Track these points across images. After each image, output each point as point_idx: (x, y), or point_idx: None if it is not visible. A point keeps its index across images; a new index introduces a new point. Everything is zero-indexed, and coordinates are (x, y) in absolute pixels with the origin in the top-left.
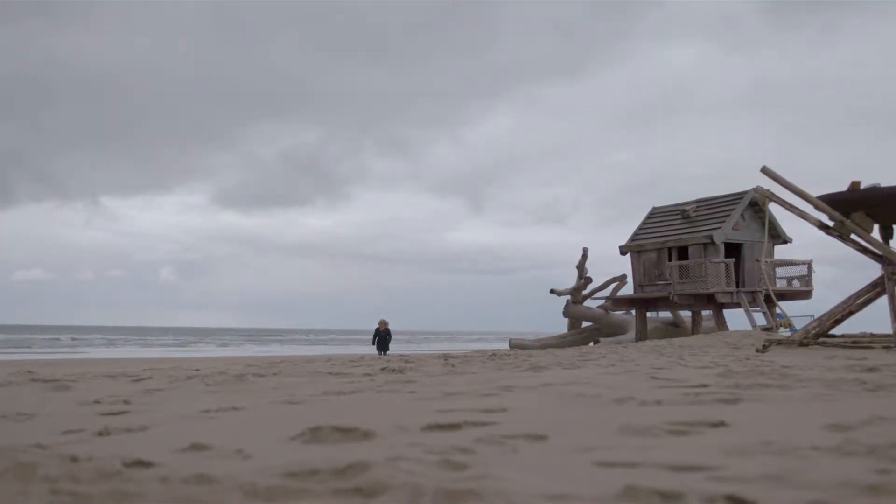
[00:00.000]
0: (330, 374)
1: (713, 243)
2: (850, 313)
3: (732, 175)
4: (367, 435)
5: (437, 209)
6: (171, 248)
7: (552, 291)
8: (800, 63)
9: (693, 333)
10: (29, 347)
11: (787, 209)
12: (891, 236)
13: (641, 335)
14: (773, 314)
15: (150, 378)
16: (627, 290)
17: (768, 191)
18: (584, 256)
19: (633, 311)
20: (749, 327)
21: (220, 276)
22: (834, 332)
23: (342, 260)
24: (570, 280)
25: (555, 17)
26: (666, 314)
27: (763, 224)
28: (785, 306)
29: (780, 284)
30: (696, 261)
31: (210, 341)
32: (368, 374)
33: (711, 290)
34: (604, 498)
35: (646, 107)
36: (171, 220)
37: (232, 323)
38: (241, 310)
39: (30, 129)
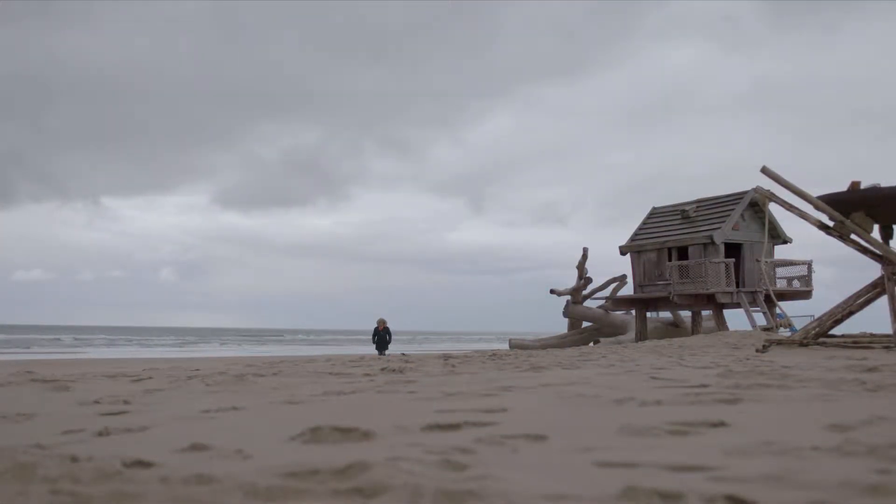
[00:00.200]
0: (330, 374)
1: (713, 243)
2: (850, 313)
3: (732, 175)
4: (367, 435)
5: (438, 209)
6: (172, 248)
7: (552, 291)
8: (800, 63)
9: (693, 333)
10: (29, 347)
11: (787, 209)
12: (891, 236)
13: (641, 335)
14: (773, 314)
15: (150, 378)
16: (627, 290)
17: (768, 191)
18: (584, 256)
19: (633, 312)
20: (749, 327)
21: (221, 276)
22: (834, 332)
23: (342, 260)
24: (570, 280)
25: (555, 17)
26: (666, 314)
27: (763, 224)
28: (785, 306)
29: (780, 284)
30: (696, 261)
31: (210, 341)
32: (368, 374)
33: (711, 290)
34: (604, 498)
35: (646, 107)
36: (171, 220)
37: (232, 323)
38: (241, 310)
39: (30, 129)
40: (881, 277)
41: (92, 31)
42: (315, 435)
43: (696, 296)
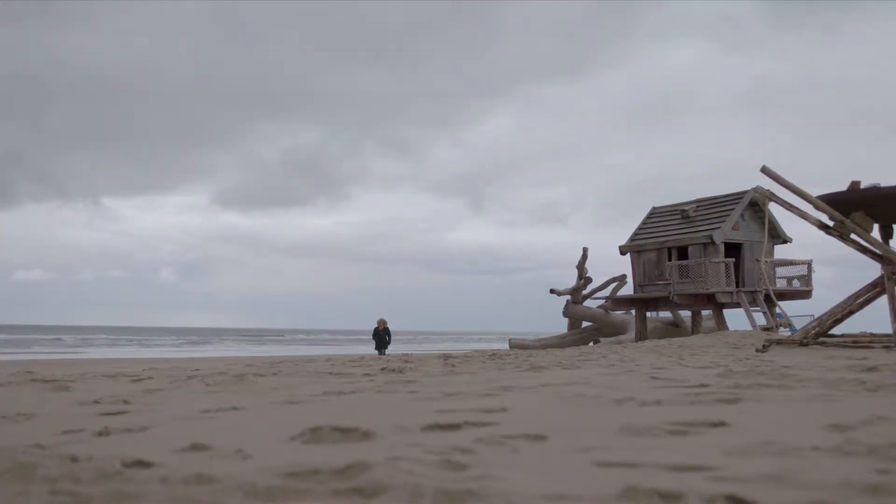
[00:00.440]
0: (330, 374)
1: (713, 243)
2: (850, 313)
3: (732, 175)
4: (367, 435)
5: (438, 209)
6: (172, 248)
7: (552, 291)
8: (800, 63)
9: (693, 333)
10: (29, 347)
11: (787, 209)
12: (891, 236)
13: (641, 335)
14: (773, 314)
15: (150, 378)
16: (627, 290)
17: (768, 191)
18: (584, 256)
19: (633, 311)
20: (749, 327)
21: (221, 276)
22: (834, 331)
23: (342, 260)
24: (570, 280)
25: (555, 17)
26: (666, 314)
27: (763, 224)
28: (785, 306)
29: (780, 284)
30: (695, 261)
31: (210, 341)
32: (368, 374)
33: (711, 290)
34: (604, 498)
35: (646, 107)
36: (171, 220)
37: (232, 323)
38: (241, 310)
39: (30, 129)
40: (881, 277)
41: (92, 31)
42: (315, 435)
43: (696, 296)
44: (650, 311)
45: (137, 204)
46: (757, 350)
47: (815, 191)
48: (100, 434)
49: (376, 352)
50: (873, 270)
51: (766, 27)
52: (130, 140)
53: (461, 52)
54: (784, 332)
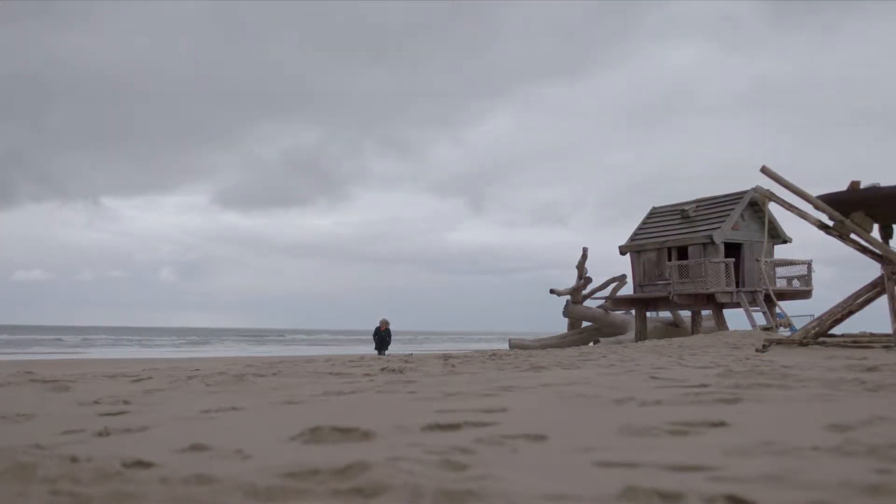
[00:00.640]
0: (330, 374)
1: (713, 243)
2: (850, 313)
3: (732, 175)
4: (367, 435)
5: (438, 209)
6: (172, 248)
7: (552, 291)
8: (800, 63)
9: (693, 333)
10: (29, 347)
11: (787, 209)
12: (890, 236)
13: (641, 335)
14: (773, 314)
15: (150, 378)
16: (627, 290)
17: (768, 191)
18: (584, 256)
19: (633, 311)
20: (749, 327)
21: (221, 276)
22: (834, 331)
23: (342, 260)
24: (570, 280)
25: (555, 17)
26: (666, 314)
27: (763, 224)
28: (785, 306)
29: (780, 284)
30: (695, 261)
31: (210, 341)
32: (368, 375)
33: (711, 290)
34: (604, 498)
35: (646, 107)
36: (171, 220)
37: (232, 323)
38: (241, 310)
39: (30, 130)
40: (881, 277)
41: (92, 31)
42: (315, 435)
43: (696, 295)
44: (650, 311)
45: (137, 204)
46: (757, 350)
47: (815, 191)
48: (100, 434)
49: (376, 352)
50: (873, 270)
51: (766, 27)
52: (130, 140)
53: (461, 52)
54: (784, 332)
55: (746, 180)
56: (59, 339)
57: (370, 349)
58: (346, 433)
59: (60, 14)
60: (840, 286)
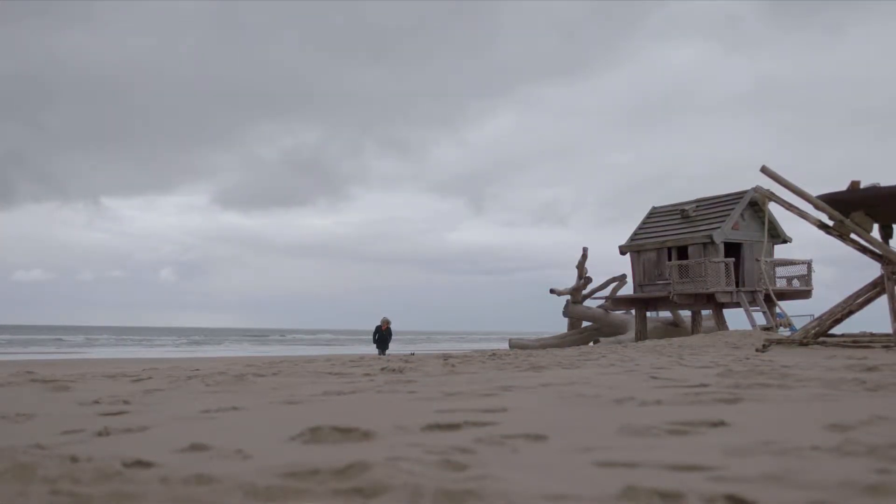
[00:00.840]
0: (330, 374)
1: (713, 243)
2: (850, 313)
3: (732, 175)
4: (367, 435)
5: (438, 209)
6: (172, 248)
7: (552, 291)
8: (801, 63)
9: (693, 333)
10: (29, 347)
11: (787, 209)
12: (890, 236)
13: (641, 335)
14: (773, 314)
15: (150, 378)
16: (627, 290)
17: (768, 190)
18: (584, 256)
19: (633, 311)
20: (749, 327)
21: (221, 276)
22: (834, 331)
23: (343, 260)
24: (570, 280)
25: (556, 17)
26: (666, 314)
27: (763, 224)
28: (785, 306)
29: (780, 284)
30: (695, 260)
31: (210, 341)
32: (368, 374)
33: (711, 290)
34: (604, 498)
35: (646, 107)
36: (171, 220)
37: (232, 323)
38: (241, 310)
39: (30, 129)
40: (881, 277)
41: (92, 31)
42: (315, 435)
43: (696, 295)
44: (650, 311)
45: (137, 204)
46: (757, 350)
47: (815, 191)
48: (100, 434)
49: (377, 351)
50: (873, 270)
51: (767, 27)
52: (130, 140)
53: (461, 52)
54: (784, 332)
55: (746, 180)
56: (60, 339)
57: (370, 349)
58: (346, 433)
59: (60, 14)
60: (840, 286)
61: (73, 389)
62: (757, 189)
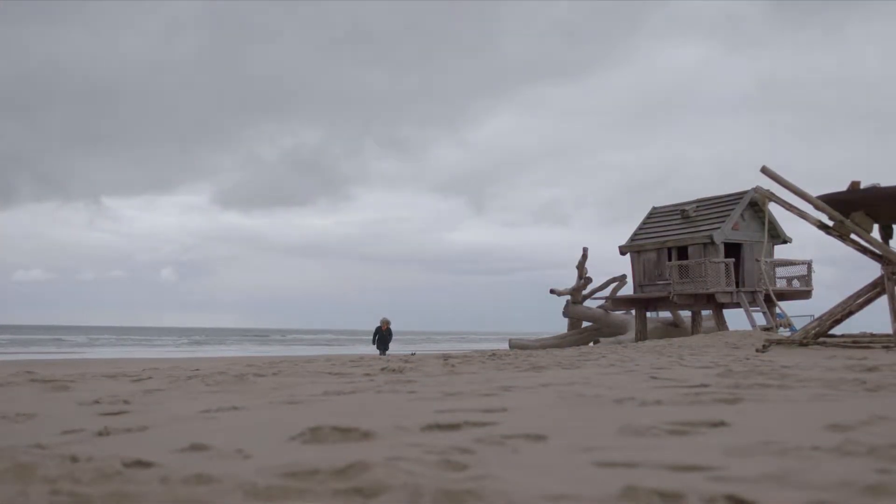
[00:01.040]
0: (330, 374)
1: (713, 243)
2: (850, 313)
3: (733, 175)
4: (367, 435)
5: (439, 209)
6: (172, 248)
7: (552, 291)
8: (802, 63)
9: (693, 333)
10: (29, 347)
11: (787, 209)
12: (890, 236)
13: (641, 335)
14: (773, 314)
15: (150, 378)
16: (627, 290)
17: (768, 191)
18: (584, 256)
19: (633, 311)
20: (749, 327)
21: (221, 276)
22: (834, 331)
23: (343, 260)
24: (570, 280)
25: (557, 16)
26: (666, 314)
27: (763, 224)
28: (785, 306)
29: (780, 284)
30: (695, 261)
31: (210, 341)
32: (368, 374)
33: (711, 290)
34: (604, 498)
35: (647, 106)
36: (172, 220)
37: (232, 323)
38: (241, 310)
39: (31, 129)
40: (881, 277)
41: (92, 31)
42: (315, 435)
43: (696, 296)
44: (650, 311)
45: (138, 204)
46: (757, 350)
47: (815, 191)
48: (100, 434)
49: (377, 351)
50: (873, 270)
51: (768, 27)
52: (131, 140)
53: (461, 52)
54: (784, 332)
55: (747, 180)
56: (60, 339)
57: (371, 349)
58: (346, 433)
59: (61, 14)
60: (840, 286)
61: (73, 389)
62: (757, 189)
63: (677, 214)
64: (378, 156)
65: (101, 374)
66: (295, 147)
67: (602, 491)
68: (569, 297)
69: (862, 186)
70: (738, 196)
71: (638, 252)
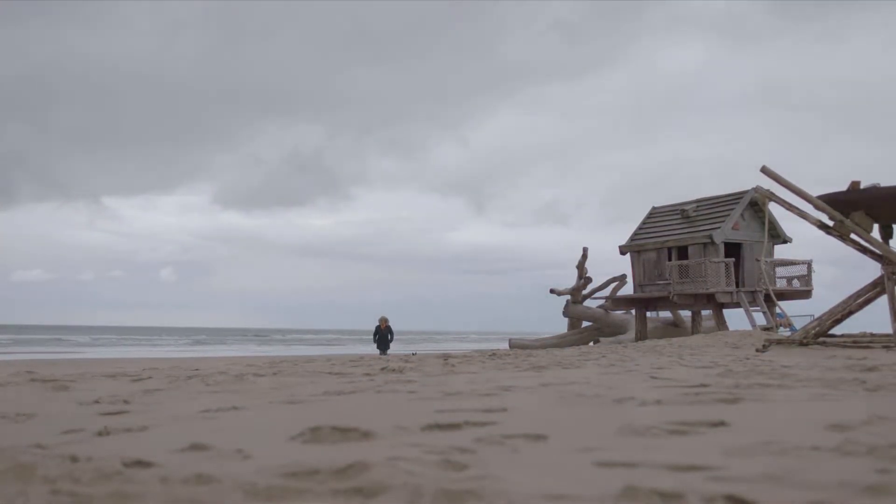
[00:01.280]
0: (330, 374)
1: (713, 243)
2: (850, 313)
3: (733, 175)
4: (367, 435)
5: (439, 209)
6: (173, 248)
7: (552, 291)
8: (801, 63)
9: (693, 333)
10: (29, 347)
11: (787, 209)
12: (891, 236)
13: (641, 335)
14: (773, 314)
15: (150, 378)
16: (627, 290)
17: (768, 190)
18: (584, 256)
19: (633, 311)
20: (749, 327)
21: (221, 276)
22: (834, 331)
23: (343, 260)
24: (571, 280)
25: (558, 16)
26: (666, 314)
27: (763, 224)
28: (785, 306)
29: (780, 284)
30: (695, 261)
31: (211, 341)
32: (368, 374)
33: (711, 290)
34: (604, 498)
35: (647, 106)
36: (172, 220)
37: (232, 323)
38: (241, 310)
39: (31, 129)
40: (881, 277)
41: (92, 31)
42: (315, 435)
43: (696, 295)
44: (650, 311)
45: (138, 204)
46: (757, 350)
47: (815, 191)
48: (100, 434)
49: (378, 351)
50: (873, 270)
51: (769, 27)
52: (131, 140)
53: (462, 52)
54: (784, 332)
55: (747, 180)
56: (60, 339)
57: (370, 349)
58: (346, 433)
59: (61, 14)
60: (840, 286)
61: (73, 389)
62: (757, 189)
63: (677, 214)
64: (378, 156)
65: (101, 374)
66: (295, 147)
67: (602, 491)
68: (569, 296)
69: (862, 186)
70: (738, 196)
71: (638, 252)
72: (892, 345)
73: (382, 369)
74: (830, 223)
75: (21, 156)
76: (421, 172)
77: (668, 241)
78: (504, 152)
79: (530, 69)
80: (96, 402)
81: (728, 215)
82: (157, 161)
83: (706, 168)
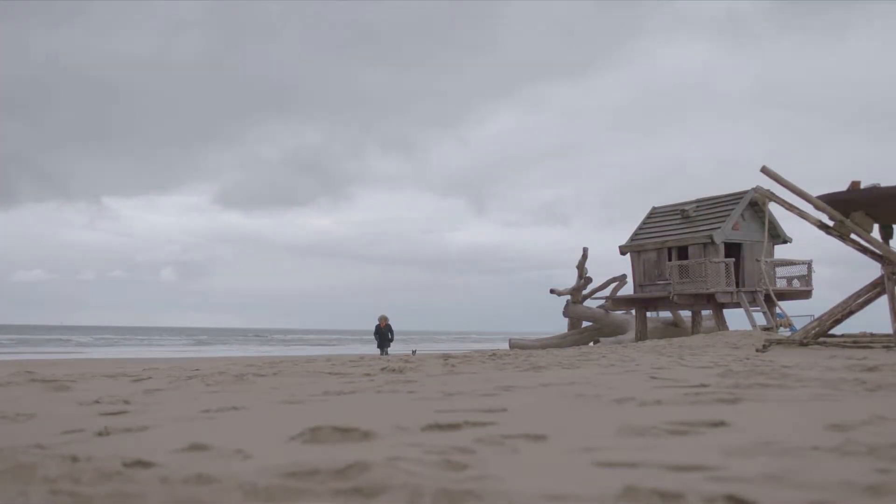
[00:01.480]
0: (330, 374)
1: (713, 243)
2: (850, 313)
3: (733, 175)
4: (367, 435)
5: (439, 209)
6: (173, 248)
7: (552, 291)
8: (803, 63)
9: (693, 333)
10: (29, 347)
11: (787, 209)
12: (891, 236)
13: (641, 335)
14: (773, 314)
15: (150, 378)
16: (627, 290)
17: (768, 190)
18: (584, 256)
19: (633, 311)
20: (749, 327)
21: (222, 276)
22: (834, 331)
23: (343, 260)
24: (571, 280)
25: (559, 16)
26: (666, 314)
27: (763, 224)
28: (785, 306)
29: (780, 284)
30: (696, 261)
31: (211, 341)
32: (368, 374)
33: (711, 290)
34: (604, 498)
35: (647, 107)
36: (172, 220)
37: (233, 323)
38: (241, 310)
39: (31, 129)
40: (881, 277)
41: (92, 31)
42: (315, 435)
43: (696, 295)
44: (650, 311)
45: (139, 204)
46: (757, 350)
47: (815, 191)
48: (100, 434)
49: (378, 351)
50: (873, 270)
51: (770, 27)
52: (131, 140)
53: (463, 52)
54: (784, 332)
55: (747, 180)
56: (60, 339)
57: (371, 349)
58: (346, 433)
59: (61, 14)
60: (840, 286)
61: (73, 389)
62: (757, 189)
63: (677, 214)
64: (378, 156)
65: (101, 374)
66: (295, 147)
67: (602, 491)
68: (569, 297)
69: (862, 186)
70: (738, 196)
71: (638, 252)
72: (893, 345)
73: (382, 369)
74: (830, 223)
75: (21, 156)
76: (421, 172)
77: (668, 241)
78: (504, 152)
79: (531, 69)
80: (96, 402)
81: (728, 215)
82: (157, 161)
83: (706, 168)
